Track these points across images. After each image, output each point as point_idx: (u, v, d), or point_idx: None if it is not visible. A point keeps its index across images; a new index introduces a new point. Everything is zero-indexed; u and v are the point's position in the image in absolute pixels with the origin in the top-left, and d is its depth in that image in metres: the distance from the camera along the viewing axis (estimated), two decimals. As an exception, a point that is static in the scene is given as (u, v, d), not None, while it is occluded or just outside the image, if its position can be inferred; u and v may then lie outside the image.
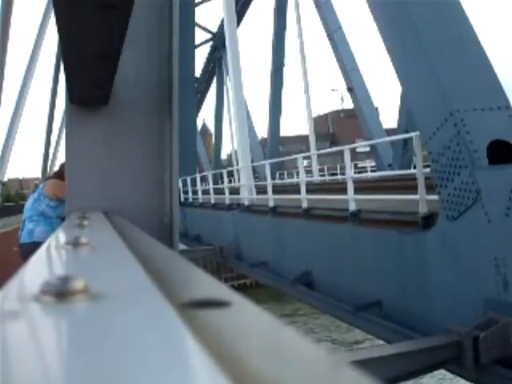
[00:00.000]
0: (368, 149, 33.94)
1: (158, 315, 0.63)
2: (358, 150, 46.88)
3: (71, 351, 0.55)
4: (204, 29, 40.91)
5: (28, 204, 6.83)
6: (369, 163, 34.05)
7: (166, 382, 0.44)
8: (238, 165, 21.56)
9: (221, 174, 18.04)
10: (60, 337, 0.63)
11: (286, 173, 37.20)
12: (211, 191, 18.10)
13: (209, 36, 41.90)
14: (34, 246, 6.23)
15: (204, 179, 22.59)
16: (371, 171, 25.79)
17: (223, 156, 53.01)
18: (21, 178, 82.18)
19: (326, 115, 71.48)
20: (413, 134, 7.25)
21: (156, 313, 0.65)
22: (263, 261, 11.90)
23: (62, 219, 6.27)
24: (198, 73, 37.81)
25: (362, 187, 11.05)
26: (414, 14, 6.62)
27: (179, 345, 0.53)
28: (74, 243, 1.26)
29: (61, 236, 1.82)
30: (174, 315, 0.60)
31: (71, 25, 2.11)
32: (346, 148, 9.14)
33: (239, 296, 0.71)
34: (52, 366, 0.50)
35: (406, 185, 9.28)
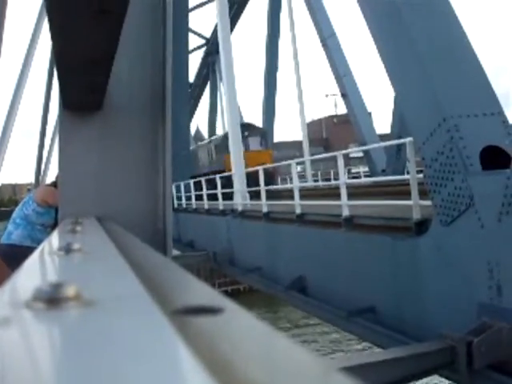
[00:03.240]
0: (361, 154, 33.97)
1: (150, 322, 0.63)
2: (352, 155, 46.91)
3: (62, 358, 0.55)
4: (198, 34, 40.96)
5: (17, 206, 6.83)
6: (362, 169, 34.08)
7: (157, 389, 0.44)
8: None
9: (214, 179, 18.03)
10: (51, 344, 0.62)
11: (279, 178, 37.21)
12: (204, 197, 18.08)
13: (202, 41, 41.96)
14: (11, 248, 6.24)
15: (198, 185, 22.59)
16: (365, 177, 25.80)
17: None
18: (14, 183, 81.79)
19: (319, 120, 71.42)
20: (406, 140, 7.27)
21: (148, 320, 0.64)
22: (257, 266, 11.89)
23: (48, 227, 6.24)
24: (191, 78, 37.83)
25: (355, 193, 11.07)
26: (408, 21, 6.64)
27: (171, 352, 0.53)
28: (67, 249, 1.25)
29: (53, 242, 1.81)
30: (166, 322, 0.60)
31: (64, 30, 2.11)
32: (340, 154, 9.15)
33: (231, 302, 0.71)
34: (43, 373, 0.49)
35: (400, 190, 9.30)
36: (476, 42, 7.19)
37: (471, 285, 5.71)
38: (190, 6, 31.48)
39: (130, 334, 0.59)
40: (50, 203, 6.31)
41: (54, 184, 6.47)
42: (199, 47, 41.98)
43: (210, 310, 0.67)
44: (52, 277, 1.13)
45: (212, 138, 35.20)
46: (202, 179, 19.40)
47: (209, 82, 43.43)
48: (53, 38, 2.21)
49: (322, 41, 23.37)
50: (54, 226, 5.68)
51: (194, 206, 20.08)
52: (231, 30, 21.25)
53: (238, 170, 16.94)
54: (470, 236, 5.73)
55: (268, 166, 18.28)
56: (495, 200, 5.35)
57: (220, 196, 16.58)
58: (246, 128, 28.63)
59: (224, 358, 0.52)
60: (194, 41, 39.51)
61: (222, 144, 27.79)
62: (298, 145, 43.63)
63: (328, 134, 69.49)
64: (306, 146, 30.39)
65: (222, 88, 30.28)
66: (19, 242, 6.26)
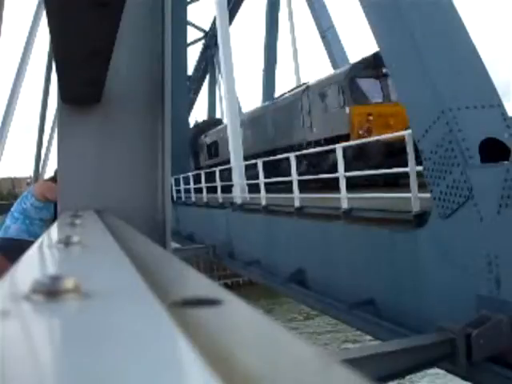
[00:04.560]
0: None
1: (148, 314, 0.63)
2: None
3: (62, 350, 0.55)
4: (196, 27, 40.85)
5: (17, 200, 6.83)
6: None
7: (156, 380, 0.44)
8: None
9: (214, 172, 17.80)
10: (50, 336, 0.63)
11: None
12: (204, 190, 18.05)
13: (201, 34, 41.87)
14: (8, 242, 6.24)
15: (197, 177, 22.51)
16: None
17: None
18: (13, 177, 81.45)
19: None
20: (405, 133, 7.26)
21: (147, 311, 0.64)
22: (256, 259, 11.90)
23: (47, 221, 6.24)
24: (190, 71, 37.73)
25: (354, 185, 11.07)
26: (407, 13, 6.62)
27: (170, 343, 0.53)
28: (66, 242, 1.25)
29: (52, 234, 1.81)
30: (165, 314, 0.60)
31: (63, 23, 2.10)
32: (339, 146, 9.14)
33: (230, 294, 0.71)
34: (42, 364, 0.49)
35: (399, 182, 9.30)
36: (475, 32, 7.17)
37: (470, 277, 5.72)
38: (189, -2, 31.49)
39: (129, 325, 0.59)
40: (48, 198, 6.31)
41: (53, 179, 6.47)
42: (198, 40, 41.88)
43: (209, 301, 0.67)
44: (51, 269, 1.13)
45: (317, 81, 18.63)
46: (202, 172, 19.12)
47: (208, 76, 43.34)
48: (51, 31, 2.21)
49: (321, 33, 23.33)
50: (53, 220, 5.68)
51: (194, 199, 20.04)
52: (230, 22, 21.22)
53: (236, 162, 16.92)
54: (469, 228, 5.73)
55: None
56: (494, 192, 5.35)
57: (219, 189, 16.55)
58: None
59: (223, 349, 0.52)
60: (192, 34, 39.43)
61: (348, 88, 15.88)
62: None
63: (327, 127, 69.28)
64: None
65: (221, 81, 30.10)
66: (16, 236, 6.27)
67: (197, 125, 34.67)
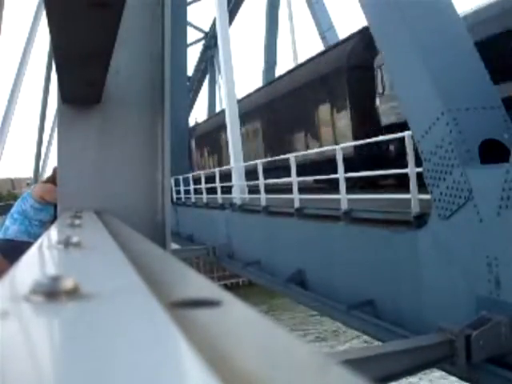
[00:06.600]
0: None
1: (148, 315, 0.63)
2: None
3: (61, 351, 0.55)
4: (196, 28, 40.84)
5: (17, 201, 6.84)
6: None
7: (156, 381, 0.44)
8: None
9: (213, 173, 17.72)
10: (50, 336, 0.62)
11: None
12: (203, 191, 18.03)
13: (201, 35, 41.86)
14: (7, 242, 6.24)
15: (197, 178, 22.43)
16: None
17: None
18: (13, 177, 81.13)
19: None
20: (405, 134, 7.25)
21: (146, 312, 0.64)
22: (256, 260, 11.89)
23: (46, 223, 6.24)
24: (190, 72, 37.71)
25: (354, 186, 11.05)
26: (407, 14, 6.62)
27: (169, 344, 0.53)
28: (66, 243, 1.25)
29: (52, 235, 1.81)
30: (164, 315, 0.60)
31: (63, 23, 2.10)
32: (339, 147, 9.13)
33: (230, 295, 0.71)
34: (41, 365, 0.49)
35: (400, 183, 9.28)
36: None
37: (470, 278, 5.72)
38: (189, -1, 31.49)
39: (128, 326, 0.59)
40: (47, 200, 6.31)
41: (50, 179, 6.50)
42: (198, 41, 41.88)
43: (209, 302, 0.67)
44: (51, 270, 1.13)
45: None
46: (202, 173, 19.04)
47: (208, 76, 43.33)
48: (51, 31, 2.20)
49: (320, 34, 23.34)
50: (53, 221, 5.67)
51: (193, 200, 20.01)
52: (230, 22, 21.22)
53: (236, 164, 16.90)
54: (468, 230, 5.73)
55: None
56: (494, 194, 5.35)
57: (219, 190, 16.52)
58: None
59: (222, 350, 0.52)
60: (192, 34, 39.39)
61: None
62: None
63: (327, 127, 69.12)
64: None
65: (221, 81, 29.99)
66: (15, 237, 6.27)
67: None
